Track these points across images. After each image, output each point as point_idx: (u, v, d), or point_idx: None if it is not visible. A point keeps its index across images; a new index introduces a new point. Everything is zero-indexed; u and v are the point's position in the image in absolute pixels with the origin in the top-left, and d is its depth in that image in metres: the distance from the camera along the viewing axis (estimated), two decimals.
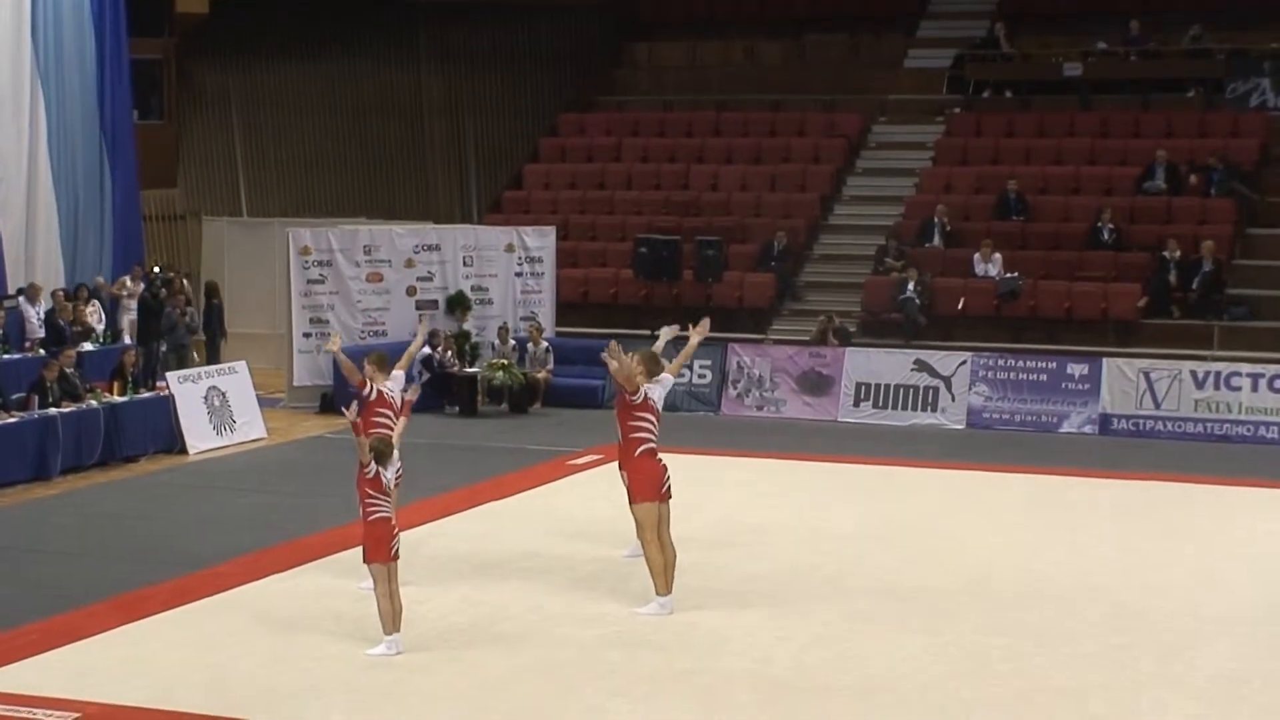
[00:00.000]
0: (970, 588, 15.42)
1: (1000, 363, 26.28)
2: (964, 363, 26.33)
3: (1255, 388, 25.03)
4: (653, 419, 14.39)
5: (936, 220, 30.05)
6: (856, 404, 26.63)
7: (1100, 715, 11.77)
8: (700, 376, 27.12)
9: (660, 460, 14.42)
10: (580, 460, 21.83)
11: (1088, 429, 25.51)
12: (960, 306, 28.62)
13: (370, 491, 13.00)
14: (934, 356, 26.57)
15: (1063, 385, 25.84)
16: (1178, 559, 16.80)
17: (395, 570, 13.04)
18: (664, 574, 14.24)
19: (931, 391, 26.27)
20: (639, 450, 14.31)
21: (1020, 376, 26.08)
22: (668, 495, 14.40)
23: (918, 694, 12.18)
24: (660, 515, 14.29)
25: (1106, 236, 29.18)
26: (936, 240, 29.96)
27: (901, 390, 26.45)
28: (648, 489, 14.27)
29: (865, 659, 13.09)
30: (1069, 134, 32.29)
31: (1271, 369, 25.21)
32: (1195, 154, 30.53)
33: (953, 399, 26.19)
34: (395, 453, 13.33)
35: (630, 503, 14.54)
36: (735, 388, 27.13)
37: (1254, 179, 30.29)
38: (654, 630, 13.75)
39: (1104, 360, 25.91)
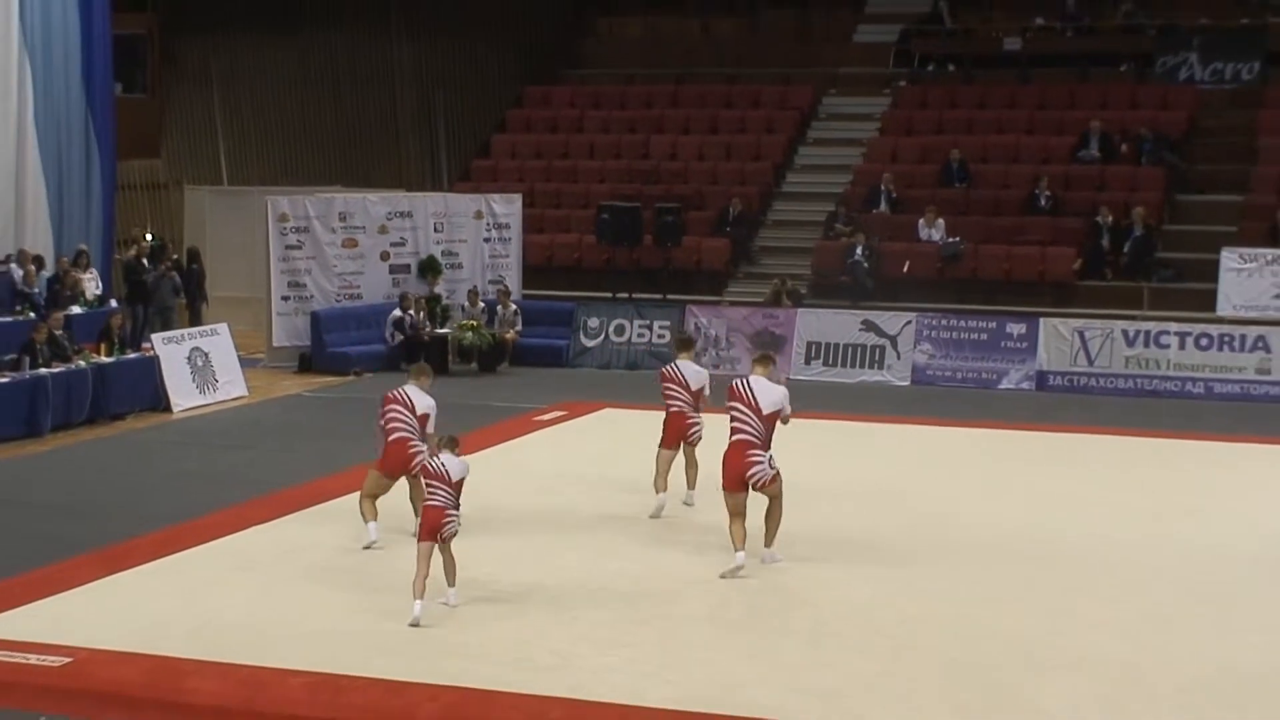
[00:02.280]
0: (919, 536, 15.46)
1: (943, 322, 26.35)
2: (909, 323, 26.40)
3: (1183, 345, 25.16)
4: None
5: (883, 188, 30.08)
6: (808, 362, 26.69)
7: (1041, 659, 11.82)
8: (660, 336, 27.11)
9: None
10: (546, 416, 21.82)
11: (1025, 385, 25.60)
12: (905, 269, 28.64)
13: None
14: (881, 317, 26.63)
15: (1002, 344, 25.93)
16: (1114, 508, 16.86)
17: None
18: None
19: (878, 350, 26.34)
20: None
21: (962, 335, 26.15)
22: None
23: (866, 638, 12.22)
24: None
25: (1044, 203, 29.25)
26: (883, 207, 29.99)
27: (850, 349, 26.52)
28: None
29: (817, 604, 13.12)
30: (1009, 106, 32.34)
31: (1198, 328, 25.37)
32: (1127, 124, 30.61)
33: (898, 357, 26.26)
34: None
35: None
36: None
37: (1182, 148, 30.39)
38: (616, 578, 13.76)
39: (1041, 320, 26.00)
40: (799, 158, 32.86)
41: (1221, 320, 25.84)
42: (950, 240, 28.63)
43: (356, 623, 12.38)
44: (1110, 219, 28.19)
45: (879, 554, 14.76)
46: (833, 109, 33.76)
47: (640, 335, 27.47)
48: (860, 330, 26.59)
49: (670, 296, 28.52)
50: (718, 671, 11.35)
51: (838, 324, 26.86)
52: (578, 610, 12.83)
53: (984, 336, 26.07)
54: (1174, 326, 25.53)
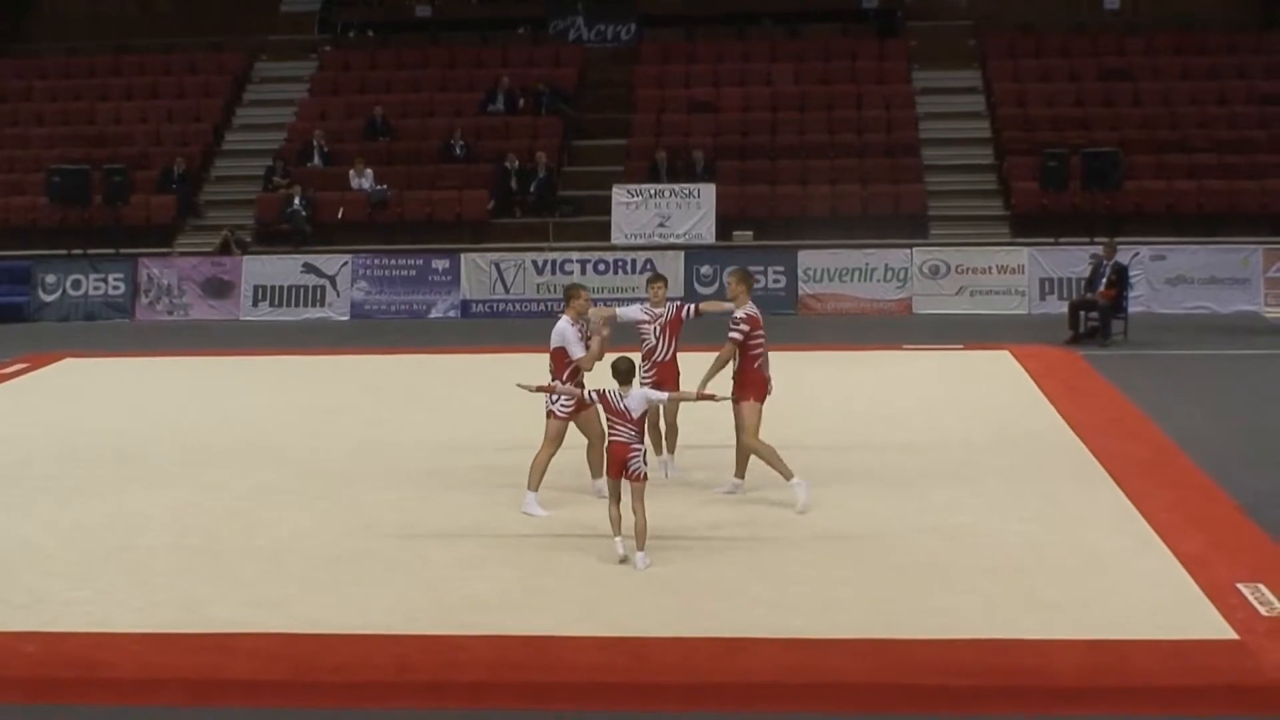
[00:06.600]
0: (356, 458, 15.28)
1: (376, 262, 26.39)
2: (346, 264, 26.36)
3: (584, 271, 25.98)
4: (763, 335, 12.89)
5: (315, 143, 29.78)
6: (256, 304, 26.30)
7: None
8: (114, 288, 26.26)
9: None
10: (9, 370, 20.69)
11: (452, 313, 25.95)
12: (340, 215, 28.50)
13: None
14: (320, 259, 26.54)
15: (429, 278, 26.16)
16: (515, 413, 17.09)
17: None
18: (777, 458, 12.75)
19: (319, 290, 26.21)
20: (756, 363, 12.74)
21: (394, 273, 26.26)
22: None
23: (319, 554, 12.06)
24: (760, 414, 12.83)
25: (459, 152, 29.54)
26: (316, 160, 29.70)
27: (294, 290, 26.30)
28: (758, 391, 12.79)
29: (273, 524, 12.88)
30: (423, 66, 32.49)
31: (596, 255, 26.29)
32: (527, 80, 31.23)
33: (338, 295, 26.21)
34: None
35: (737, 401, 12.74)
36: (147, 297, 26.41)
37: (575, 100, 31.22)
38: (83, 518, 13.13)
39: (462, 256, 26.36)
40: (237, 119, 32.18)
41: (615, 248, 26.78)
42: (378, 188, 28.61)
43: None
44: (517, 164, 28.72)
45: (326, 475, 14.54)
46: (265, 73, 33.21)
47: (96, 288, 26.58)
48: (302, 272, 26.39)
49: (123, 251, 27.52)
50: (179, 594, 11.03)
51: (281, 268, 26.56)
52: (49, 549, 12.23)
53: (413, 273, 26.23)
54: (576, 255, 26.33)
